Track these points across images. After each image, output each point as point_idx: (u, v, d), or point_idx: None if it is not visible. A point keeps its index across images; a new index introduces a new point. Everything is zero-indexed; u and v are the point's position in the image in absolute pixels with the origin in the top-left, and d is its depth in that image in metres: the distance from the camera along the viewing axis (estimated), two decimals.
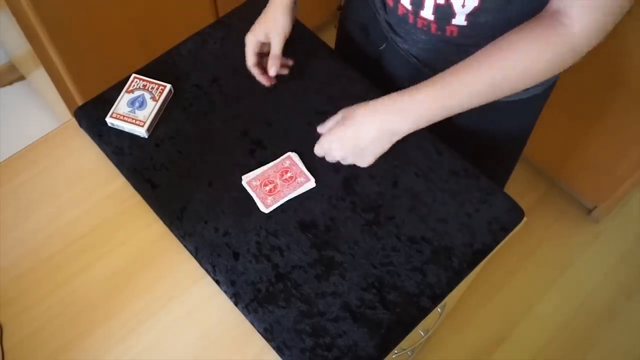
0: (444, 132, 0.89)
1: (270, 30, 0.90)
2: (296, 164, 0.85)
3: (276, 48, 0.91)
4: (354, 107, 0.82)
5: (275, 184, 0.83)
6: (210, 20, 1.03)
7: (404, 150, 0.88)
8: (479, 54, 0.72)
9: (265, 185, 0.83)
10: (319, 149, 0.85)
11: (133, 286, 0.79)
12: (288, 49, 0.94)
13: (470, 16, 0.76)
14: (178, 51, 0.98)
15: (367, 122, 0.80)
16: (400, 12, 0.84)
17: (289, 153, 0.86)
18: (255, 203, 0.82)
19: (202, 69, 0.96)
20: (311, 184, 0.84)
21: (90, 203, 0.86)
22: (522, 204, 0.85)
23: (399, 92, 0.78)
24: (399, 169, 0.87)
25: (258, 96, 0.93)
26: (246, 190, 0.84)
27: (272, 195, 0.83)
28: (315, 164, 0.86)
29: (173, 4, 1.50)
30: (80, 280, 0.80)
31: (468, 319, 1.69)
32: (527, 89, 0.88)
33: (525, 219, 0.84)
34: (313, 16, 1.17)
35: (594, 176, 1.71)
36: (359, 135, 0.80)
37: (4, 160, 0.89)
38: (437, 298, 0.78)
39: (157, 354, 0.75)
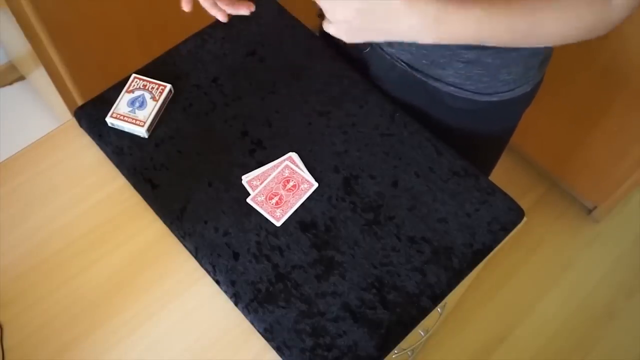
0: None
1: None
2: (296, 171, 0.85)
3: None
4: None
5: (280, 195, 0.83)
6: (210, 20, 1.03)
7: (404, 150, 0.88)
8: (517, 1, 0.66)
9: (271, 198, 0.83)
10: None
11: (133, 286, 0.79)
12: (287, 47, 0.94)
13: None
14: (178, 51, 0.98)
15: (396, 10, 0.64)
16: None
17: (289, 155, 0.86)
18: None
19: (202, 69, 0.96)
20: (315, 187, 0.84)
21: (90, 203, 0.86)
22: (522, 204, 0.85)
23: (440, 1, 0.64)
24: (399, 169, 0.87)
25: (258, 96, 0.93)
26: (246, 190, 0.84)
27: (279, 207, 0.82)
28: (315, 164, 0.86)
29: (173, 4, 1.50)
30: (80, 280, 0.80)
31: (468, 319, 1.69)
32: (515, 89, 0.89)
33: (525, 219, 0.84)
34: (313, 16, 1.17)
35: (594, 176, 1.71)
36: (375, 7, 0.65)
37: (4, 160, 0.89)
38: (437, 298, 0.78)
39: (157, 354, 0.75)
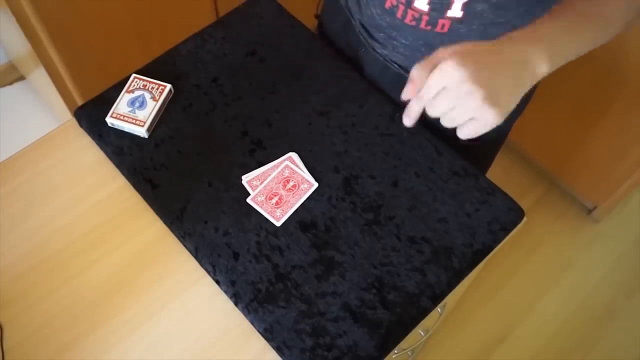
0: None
1: None
2: (296, 171, 0.85)
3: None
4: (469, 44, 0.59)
5: (280, 195, 0.83)
6: (210, 20, 1.03)
7: (404, 150, 0.88)
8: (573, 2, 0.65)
9: (271, 198, 0.83)
10: (431, 93, 0.59)
11: (133, 286, 0.79)
12: (287, 47, 0.94)
13: (466, 5, 0.73)
14: (178, 51, 0.98)
15: (498, 52, 0.59)
16: (387, 5, 0.80)
17: (289, 155, 0.86)
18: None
19: (202, 69, 0.96)
20: (315, 187, 0.84)
21: (90, 203, 0.86)
22: (522, 204, 0.85)
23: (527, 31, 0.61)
24: (399, 169, 0.87)
25: (258, 96, 0.93)
26: (246, 190, 0.84)
27: (279, 207, 0.82)
28: (315, 164, 0.86)
29: (173, 4, 1.50)
30: (80, 280, 0.80)
31: (468, 319, 1.69)
32: None
33: (525, 219, 0.84)
34: (313, 16, 1.17)
35: (594, 176, 1.71)
36: (491, 67, 0.57)
37: (4, 160, 0.89)
38: (437, 298, 0.78)
39: (157, 354, 0.75)
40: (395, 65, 0.90)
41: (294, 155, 0.86)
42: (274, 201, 0.83)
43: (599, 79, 1.48)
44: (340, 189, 0.85)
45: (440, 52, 0.59)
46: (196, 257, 0.81)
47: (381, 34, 0.86)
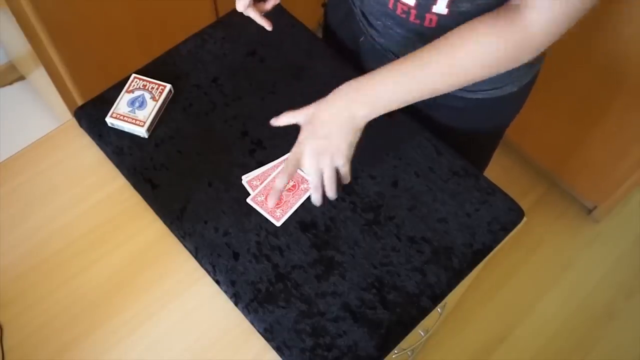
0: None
1: None
2: (296, 171, 0.85)
3: None
4: (310, 107, 0.79)
5: (280, 195, 0.83)
6: (210, 20, 1.03)
7: (404, 150, 0.88)
8: (431, 47, 0.73)
9: None
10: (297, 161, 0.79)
11: (133, 286, 0.79)
12: (287, 47, 0.94)
13: (451, 3, 0.75)
14: (178, 51, 0.98)
15: (331, 114, 0.77)
16: None
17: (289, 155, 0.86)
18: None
19: (202, 69, 0.96)
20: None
21: (90, 203, 0.86)
22: (522, 204, 0.85)
23: (356, 78, 0.77)
24: (399, 169, 0.87)
25: (258, 96, 0.93)
26: (246, 190, 0.84)
27: (279, 207, 0.82)
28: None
29: (173, 4, 1.50)
30: (80, 280, 0.80)
31: (468, 319, 1.69)
32: (502, 87, 0.89)
33: (525, 219, 0.84)
34: (313, 16, 1.17)
35: (594, 176, 1.71)
36: (330, 127, 0.77)
37: (4, 160, 0.89)
38: (437, 298, 0.78)
39: (157, 354, 0.75)
40: (392, 54, 0.90)
41: None
42: None
43: (599, 79, 1.48)
44: (340, 189, 0.85)
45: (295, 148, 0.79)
46: (196, 257, 0.81)
47: (379, 22, 0.88)
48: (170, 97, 0.92)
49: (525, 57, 0.71)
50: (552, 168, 1.83)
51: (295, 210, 0.82)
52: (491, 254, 0.83)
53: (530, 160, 1.89)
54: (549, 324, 1.70)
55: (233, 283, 0.77)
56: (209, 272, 0.80)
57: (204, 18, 1.52)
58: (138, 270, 0.80)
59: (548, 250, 1.81)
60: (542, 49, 0.70)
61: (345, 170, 0.79)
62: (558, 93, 1.59)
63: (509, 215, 0.84)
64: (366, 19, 0.91)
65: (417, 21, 0.80)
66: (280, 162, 0.85)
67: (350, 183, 0.83)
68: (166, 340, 0.76)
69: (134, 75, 0.93)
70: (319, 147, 0.77)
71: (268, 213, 0.82)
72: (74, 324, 0.77)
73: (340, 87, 0.77)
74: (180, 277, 0.80)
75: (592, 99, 1.54)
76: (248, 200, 0.83)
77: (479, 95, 0.90)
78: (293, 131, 0.90)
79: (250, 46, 0.98)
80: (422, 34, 0.81)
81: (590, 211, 1.85)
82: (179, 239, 0.82)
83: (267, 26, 0.87)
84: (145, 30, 1.50)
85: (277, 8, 1.03)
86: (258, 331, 0.76)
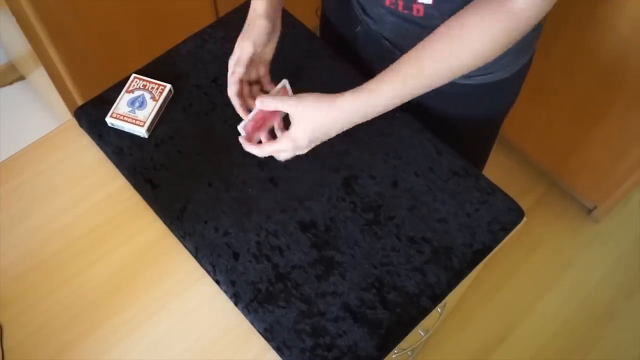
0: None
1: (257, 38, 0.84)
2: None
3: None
4: (309, 109, 0.76)
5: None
6: (210, 20, 1.03)
7: (404, 150, 0.88)
8: (423, 47, 0.73)
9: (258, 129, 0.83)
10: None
11: (133, 286, 0.79)
12: (287, 47, 0.94)
13: None
14: (178, 51, 0.98)
15: (330, 126, 0.77)
16: None
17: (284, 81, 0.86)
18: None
19: (202, 69, 0.96)
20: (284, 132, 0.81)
21: (90, 203, 0.86)
22: (522, 204, 0.85)
23: (353, 91, 0.75)
24: (399, 169, 0.87)
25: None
26: (247, 190, 0.84)
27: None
28: (315, 164, 0.86)
29: (173, 4, 1.50)
30: (80, 280, 0.80)
31: (468, 319, 1.69)
32: (494, 72, 0.89)
33: (525, 219, 0.84)
34: (313, 16, 1.17)
35: (594, 176, 1.71)
36: (324, 136, 0.78)
37: (4, 160, 0.89)
38: (437, 298, 0.78)
39: (157, 354, 0.75)
40: (387, 41, 0.91)
41: (286, 82, 0.86)
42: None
43: (599, 79, 1.48)
44: (340, 189, 0.85)
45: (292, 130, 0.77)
46: (196, 257, 0.81)
47: (374, 10, 0.89)
48: (170, 97, 0.92)
49: (517, 38, 0.71)
50: (552, 168, 1.83)
51: (295, 210, 0.82)
52: (491, 254, 0.83)
53: (530, 160, 1.89)
54: (549, 324, 1.70)
55: (233, 283, 0.77)
56: (209, 272, 0.79)
57: (204, 18, 1.52)
58: (138, 270, 0.80)
59: (548, 250, 1.81)
60: (531, 27, 0.70)
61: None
62: (558, 93, 1.59)
63: (509, 215, 0.84)
64: (361, 7, 0.93)
65: (406, 11, 0.82)
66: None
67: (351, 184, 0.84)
68: (166, 340, 0.76)
69: (134, 75, 0.93)
70: (308, 148, 0.79)
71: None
72: (74, 324, 0.77)
73: (337, 100, 0.75)
74: (180, 277, 0.80)
75: (592, 98, 1.54)
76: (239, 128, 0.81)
77: (471, 81, 0.91)
78: None
79: None
80: (413, 21, 0.83)
81: (590, 211, 1.85)
82: (179, 239, 0.82)
83: (243, 115, 0.85)
84: (145, 30, 1.50)
85: None
86: (258, 331, 0.76)
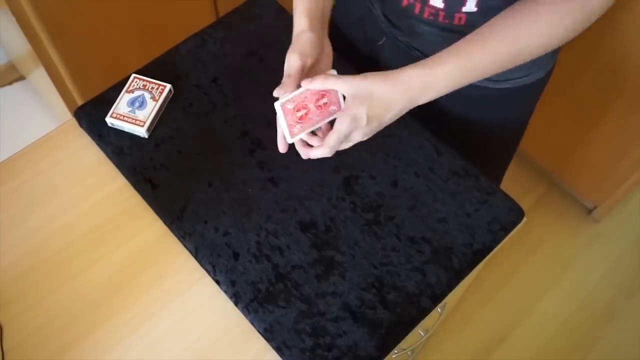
0: (439, 126, 0.89)
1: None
2: (332, 90, 0.77)
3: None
4: (367, 83, 0.72)
5: (308, 109, 0.76)
6: (210, 20, 1.03)
7: (404, 150, 0.88)
8: (497, 23, 0.70)
9: (299, 110, 0.75)
10: (334, 140, 0.73)
11: (133, 286, 0.79)
12: (287, 47, 0.93)
13: (480, 1, 0.75)
14: (178, 51, 0.98)
15: (393, 101, 0.72)
16: (404, 3, 0.83)
17: (332, 70, 0.80)
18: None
19: (202, 69, 0.96)
20: (339, 112, 0.76)
21: (90, 203, 0.86)
22: (522, 204, 0.85)
23: (417, 65, 0.72)
24: (399, 169, 0.87)
25: (258, 96, 0.93)
26: (245, 189, 0.84)
27: (301, 123, 0.76)
28: (315, 164, 0.86)
29: (173, 4, 1.50)
30: (80, 280, 0.80)
31: (468, 319, 1.69)
32: (530, 74, 0.89)
33: (525, 219, 0.84)
34: None
35: (594, 176, 1.71)
36: (386, 113, 0.73)
37: (4, 160, 0.89)
38: (437, 298, 0.78)
39: (157, 354, 0.75)
40: (417, 51, 0.90)
41: (333, 71, 0.80)
42: (300, 114, 0.75)
43: (600, 79, 1.48)
44: (340, 189, 0.85)
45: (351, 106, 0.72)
46: (196, 257, 0.81)
47: (404, 24, 0.87)
48: (170, 97, 0.92)
49: (587, 25, 0.70)
50: (552, 168, 1.83)
51: (295, 210, 0.82)
52: (491, 254, 0.83)
53: (530, 160, 1.89)
54: (549, 324, 1.70)
55: (233, 283, 0.77)
56: (209, 272, 0.79)
57: (204, 18, 1.52)
58: (138, 270, 0.80)
59: (548, 250, 1.81)
60: (600, 15, 0.69)
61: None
62: (558, 93, 1.59)
63: (509, 215, 0.84)
64: (389, 20, 0.91)
65: (446, 21, 0.81)
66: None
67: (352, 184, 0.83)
68: (166, 340, 0.76)
69: (134, 75, 0.93)
70: (372, 131, 0.75)
71: (287, 125, 0.75)
72: (74, 324, 0.77)
73: (402, 74, 0.72)
74: (180, 277, 0.80)
75: (592, 99, 1.54)
76: (276, 104, 0.75)
77: (508, 85, 0.90)
78: None
79: (250, 46, 0.98)
80: (451, 30, 0.82)
81: (590, 211, 1.85)
82: (179, 239, 0.82)
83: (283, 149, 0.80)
84: (145, 30, 1.50)
85: (277, 8, 1.03)
86: (258, 331, 0.76)
